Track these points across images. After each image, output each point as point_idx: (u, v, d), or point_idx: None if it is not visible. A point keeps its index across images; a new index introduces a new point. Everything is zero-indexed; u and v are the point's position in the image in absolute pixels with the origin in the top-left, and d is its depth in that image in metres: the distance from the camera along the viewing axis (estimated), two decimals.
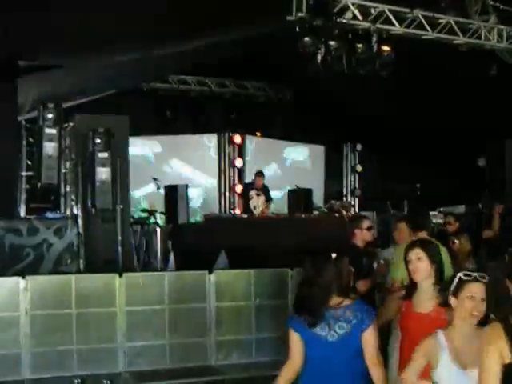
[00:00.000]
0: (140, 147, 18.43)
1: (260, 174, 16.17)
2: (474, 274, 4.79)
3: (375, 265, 8.92)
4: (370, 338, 5.02)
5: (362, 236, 8.76)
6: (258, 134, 20.24)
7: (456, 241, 10.09)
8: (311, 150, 21.63)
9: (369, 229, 8.80)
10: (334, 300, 5.11)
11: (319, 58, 12.89)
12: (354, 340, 5.02)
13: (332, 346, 5.05)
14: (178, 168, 19.49)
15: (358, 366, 5.06)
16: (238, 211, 16.55)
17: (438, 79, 16.05)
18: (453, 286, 4.83)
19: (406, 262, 5.89)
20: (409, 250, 5.92)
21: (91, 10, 11.42)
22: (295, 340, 5.21)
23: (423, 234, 8.36)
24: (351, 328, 5.03)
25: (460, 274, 4.81)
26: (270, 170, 19.68)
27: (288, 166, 20.98)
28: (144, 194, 18.32)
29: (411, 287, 5.88)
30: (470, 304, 4.75)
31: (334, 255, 5.24)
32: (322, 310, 5.07)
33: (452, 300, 4.83)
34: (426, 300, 5.72)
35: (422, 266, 5.79)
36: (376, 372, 5.03)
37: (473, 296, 4.76)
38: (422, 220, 8.97)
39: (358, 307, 5.09)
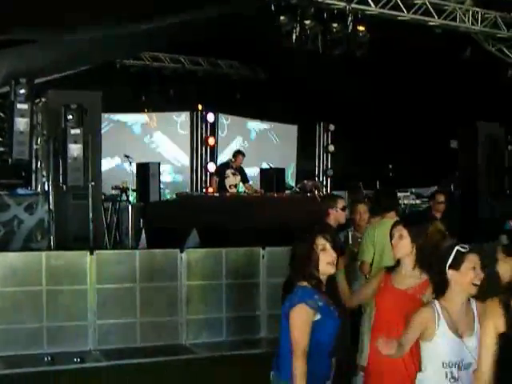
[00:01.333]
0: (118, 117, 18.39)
1: (239, 153, 16.05)
2: (468, 246, 4.94)
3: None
4: (290, 321, 4.93)
5: (336, 216, 8.74)
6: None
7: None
8: (284, 129, 21.60)
9: (343, 209, 8.78)
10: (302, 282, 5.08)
11: (294, 36, 12.86)
12: (284, 322, 5.02)
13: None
14: (150, 145, 19.40)
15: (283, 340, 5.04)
16: (210, 190, 16.47)
17: (411, 61, 16.06)
18: (450, 259, 4.91)
19: (390, 238, 5.93)
20: (393, 227, 5.97)
21: None
22: None
23: (392, 215, 8.41)
24: (284, 308, 5.02)
25: (457, 247, 4.92)
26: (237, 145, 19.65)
27: (258, 144, 20.91)
28: (113, 165, 18.22)
29: (396, 263, 5.93)
30: (473, 274, 4.87)
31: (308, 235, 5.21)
32: (293, 285, 5.07)
33: (450, 273, 4.90)
34: (405, 277, 5.77)
35: (402, 244, 5.83)
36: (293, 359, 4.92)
37: (474, 266, 4.89)
38: (387, 201, 8.99)
39: (296, 290, 5.01)
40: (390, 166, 19.43)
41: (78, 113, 12.49)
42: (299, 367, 4.83)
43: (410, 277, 5.75)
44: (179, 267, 11.30)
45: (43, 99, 13.00)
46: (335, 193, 18.69)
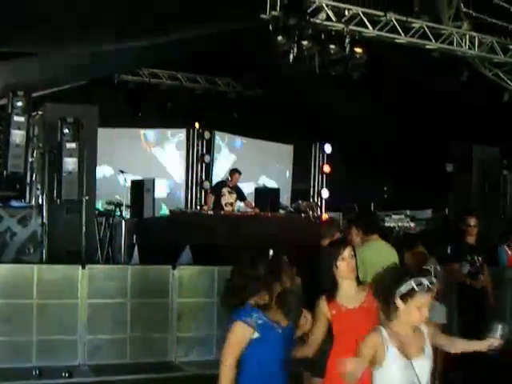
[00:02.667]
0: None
1: (235, 171, 16.04)
2: (426, 283, 4.76)
3: None
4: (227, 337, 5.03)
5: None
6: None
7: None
8: (280, 148, 21.61)
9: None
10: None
11: (291, 57, 12.90)
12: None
13: None
14: (145, 161, 19.39)
15: None
16: (205, 207, 16.48)
17: (408, 83, 16.12)
18: (402, 289, 4.76)
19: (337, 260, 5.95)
20: (342, 249, 5.99)
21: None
22: None
23: (375, 237, 8.52)
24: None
25: (413, 283, 4.75)
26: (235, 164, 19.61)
27: (254, 163, 20.90)
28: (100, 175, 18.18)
29: (333, 288, 5.94)
30: (417, 314, 4.77)
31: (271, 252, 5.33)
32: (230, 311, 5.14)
33: (399, 302, 4.78)
34: (353, 295, 5.88)
35: (353, 263, 5.93)
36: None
37: (421, 307, 4.77)
38: (370, 223, 9.06)
39: (240, 310, 5.07)
40: (385, 188, 19.47)
41: (74, 127, 12.52)
42: (226, 380, 5.01)
43: (355, 294, 5.87)
44: (171, 284, 11.29)
45: (40, 112, 13.03)
46: (330, 214, 18.79)
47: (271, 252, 5.40)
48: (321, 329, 5.87)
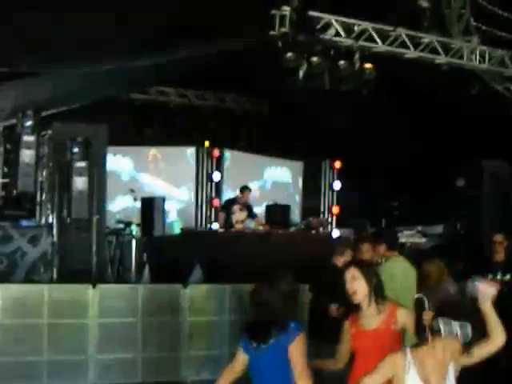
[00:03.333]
0: (117, 159, 18.31)
1: (245, 189, 15.97)
2: (454, 329, 4.70)
3: None
4: (293, 354, 5.22)
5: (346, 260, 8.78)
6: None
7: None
8: (290, 165, 21.56)
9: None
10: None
11: (301, 73, 12.87)
12: (272, 358, 5.31)
13: (258, 360, 5.43)
14: (155, 180, 19.35)
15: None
16: (216, 225, 16.41)
17: (418, 99, 16.07)
18: (434, 326, 4.73)
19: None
20: (345, 270, 5.88)
21: (71, 19, 11.34)
22: (241, 357, 5.66)
23: (396, 253, 8.48)
24: (271, 346, 5.29)
25: (441, 325, 4.70)
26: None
27: (268, 186, 20.87)
28: (119, 208, 18.13)
29: (353, 307, 5.82)
30: (440, 354, 4.72)
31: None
32: (266, 330, 5.35)
33: (430, 336, 4.75)
34: (369, 317, 5.72)
35: (359, 286, 5.75)
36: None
37: (440, 348, 4.73)
38: (394, 239, 9.05)
39: (283, 327, 5.29)
40: (396, 204, 19.37)
41: (83, 146, 12.49)
42: None
43: (373, 315, 5.71)
44: (182, 302, 11.23)
45: (49, 132, 13.01)
46: (341, 230, 18.70)
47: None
48: (345, 345, 5.86)
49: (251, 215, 15.78)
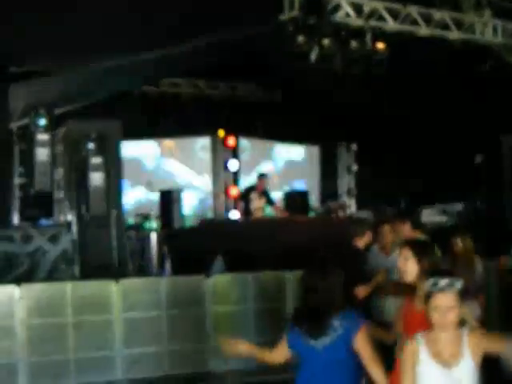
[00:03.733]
0: (133, 150, 18.28)
1: (263, 176, 15.95)
2: (442, 284, 4.61)
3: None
4: (361, 343, 5.10)
5: (365, 240, 8.74)
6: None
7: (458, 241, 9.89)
8: (306, 150, 21.51)
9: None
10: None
11: (313, 57, 12.76)
12: (337, 350, 5.11)
13: (318, 355, 5.16)
14: (172, 172, 19.35)
15: (339, 376, 5.16)
16: (236, 214, 16.39)
17: (432, 77, 15.93)
18: (424, 290, 4.71)
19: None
20: (400, 249, 5.82)
21: (80, 16, 11.31)
22: (284, 348, 5.51)
23: (419, 232, 8.42)
24: (336, 338, 5.10)
25: (427, 284, 4.65)
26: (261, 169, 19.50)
27: (282, 166, 20.86)
28: (136, 198, 18.17)
29: (409, 287, 5.73)
30: (436, 317, 4.62)
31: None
32: (327, 319, 5.13)
33: (424, 307, 4.70)
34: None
35: (409, 267, 5.67)
36: (373, 372, 5.12)
37: (437, 309, 4.63)
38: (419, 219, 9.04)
39: (345, 316, 5.16)
40: (416, 182, 19.25)
41: (98, 142, 12.47)
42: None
43: None
44: (205, 293, 11.20)
45: (63, 129, 12.99)
46: (360, 212, 18.63)
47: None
48: (398, 324, 5.82)
49: (269, 202, 15.73)
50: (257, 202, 15.44)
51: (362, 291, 8.26)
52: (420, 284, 5.51)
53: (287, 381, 9.34)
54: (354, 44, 13.16)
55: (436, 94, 16.74)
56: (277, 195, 17.11)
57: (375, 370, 5.10)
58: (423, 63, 15.38)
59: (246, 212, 15.44)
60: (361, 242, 8.92)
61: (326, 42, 12.70)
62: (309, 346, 5.16)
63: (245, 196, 15.95)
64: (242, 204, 15.85)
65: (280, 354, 5.61)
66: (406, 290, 5.78)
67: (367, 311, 7.35)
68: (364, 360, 5.10)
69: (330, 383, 5.15)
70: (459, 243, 9.66)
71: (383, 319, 7.71)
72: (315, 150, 21.56)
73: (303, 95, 18.56)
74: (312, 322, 5.16)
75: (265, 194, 15.68)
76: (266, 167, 20.10)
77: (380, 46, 13.46)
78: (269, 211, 15.88)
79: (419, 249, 5.78)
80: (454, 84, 16.09)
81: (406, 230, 8.73)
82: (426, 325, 5.15)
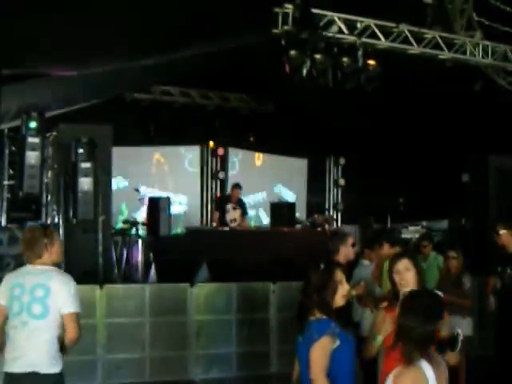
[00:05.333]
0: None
1: (237, 186, 16.00)
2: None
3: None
4: (311, 355, 5.07)
5: (347, 253, 8.72)
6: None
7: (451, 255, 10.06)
8: (294, 163, 21.58)
9: (353, 246, 8.78)
10: (314, 314, 5.25)
11: (305, 71, 12.85)
12: (305, 355, 5.14)
13: (301, 356, 5.27)
14: (160, 179, 19.38)
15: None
16: (214, 224, 16.45)
17: (421, 94, 16.06)
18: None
19: (391, 273, 5.84)
20: (396, 260, 5.85)
21: (74, 20, 11.34)
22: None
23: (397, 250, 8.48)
24: (305, 342, 5.17)
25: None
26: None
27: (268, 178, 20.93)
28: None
29: (395, 299, 5.79)
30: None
31: (322, 266, 5.32)
32: (307, 318, 5.24)
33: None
34: None
35: (409, 276, 5.73)
36: None
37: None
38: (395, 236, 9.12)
39: (315, 324, 5.18)
40: (401, 200, 19.36)
41: (88, 146, 12.50)
42: None
43: None
44: (189, 301, 11.26)
45: (54, 133, 13.02)
46: (345, 227, 18.72)
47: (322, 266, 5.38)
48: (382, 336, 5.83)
49: (244, 213, 15.78)
50: (232, 213, 15.51)
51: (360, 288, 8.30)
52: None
53: None
54: (345, 60, 13.26)
55: (425, 111, 16.85)
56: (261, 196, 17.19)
57: None
58: (414, 81, 15.51)
59: (222, 222, 15.50)
60: (339, 257, 8.87)
61: (318, 56, 12.80)
62: (298, 343, 5.31)
63: (219, 206, 16.03)
64: (217, 214, 15.93)
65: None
66: (391, 301, 5.85)
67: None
68: (310, 374, 5.06)
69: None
70: (451, 258, 9.86)
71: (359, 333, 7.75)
72: (303, 164, 21.64)
73: (293, 108, 18.66)
74: (298, 320, 5.31)
75: (239, 204, 15.75)
76: (252, 177, 20.18)
77: (371, 62, 13.57)
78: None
79: (417, 260, 5.88)
80: (443, 102, 16.21)
81: (386, 250, 8.77)
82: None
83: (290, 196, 20.87)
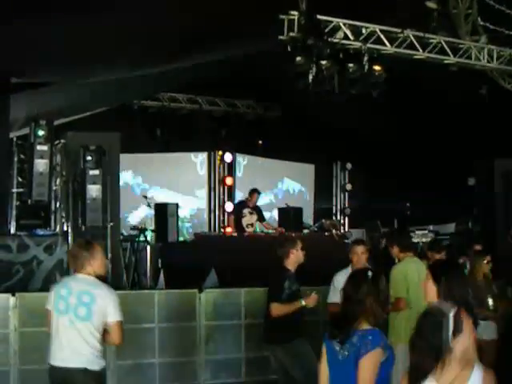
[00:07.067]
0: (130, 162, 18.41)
1: (254, 191, 16.05)
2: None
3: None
4: (360, 367, 4.86)
5: (297, 256, 8.80)
6: (260, 142, 20.34)
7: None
8: (302, 168, 21.65)
9: (302, 249, 8.85)
10: (359, 323, 5.02)
11: (310, 77, 12.90)
12: (349, 366, 4.91)
13: (338, 365, 5.02)
14: (169, 185, 19.45)
15: None
16: (228, 229, 16.49)
17: (428, 98, 16.11)
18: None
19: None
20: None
21: (80, 29, 11.42)
22: (323, 361, 5.17)
23: (411, 254, 8.53)
24: (350, 353, 4.93)
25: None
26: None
27: (280, 195, 21.00)
28: (139, 219, 18.21)
29: None
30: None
31: (370, 273, 5.19)
32: (352, 327, 4.99)
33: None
34: None
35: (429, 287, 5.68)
36: None
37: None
38: (408, 240, 9.13)
39: (365, 335, 4.95)
40: (408, 204, 19.41)
41: (96, 154, 12.59)
42: None
43: None
44: (198, 307, 11.30)
45: (62, 141, 13.11)
46: (353, 231, 18.76)
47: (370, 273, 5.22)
48: None
49: (261, 218, 15.84)
50: (249, 218, 15.57)
51: (275, 308, 8.46)
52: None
53: None
54: (351, 65, 13.31)
55: (431, 115, 16.90)
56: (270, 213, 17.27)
57: None
58: (420, 86, 15.57)
59: (238, 227, 15.55)
60: (288, 262, 8.89)
61: (323, 62, 12.85)
62: (333, 353, 5.04)
63: (236, 211, 16.07)
64: (233, 219, 15.96)
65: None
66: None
67: None
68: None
69: None
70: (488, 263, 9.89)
71: None
72: (311, 169, 21.70)
73: (300, 114, 18.72)
74: (339, 330, 5.05)
75: (256, 209, 15.80)
76: (261, 185, 20.25)
77: (377, 67, 13.61)
78: (258, 228, 16.02)
79: (439, 269, 5.78)
80: (449, 107, 16.26)
81: (396, 251, 8.82)
82: None
83: (297, 188, 20.98)
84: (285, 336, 8.70)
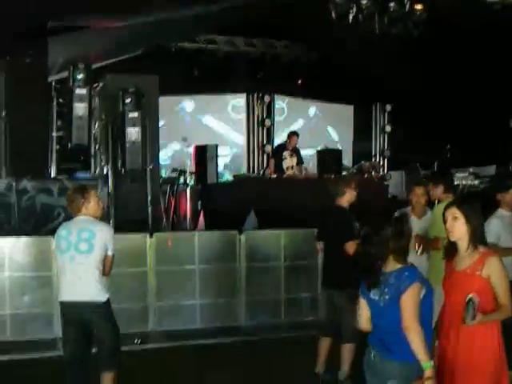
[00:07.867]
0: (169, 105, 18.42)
1: (294, 134, 15.94)
2: None
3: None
4: (403, 303, 4.96)
5: (352, 196, 8.70)
6: (299, 82, 20.24)
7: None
8: (340, 110, 21.52)
9: (356, 189, 8.75)
10: (391, 265, 5.12)
11: (351, 17, 12.75)
12: (393, 308, 5.01)
13: (381, 311, 5.12)
14: (207, 127, 19.47)
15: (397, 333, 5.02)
16: (268, 171, 16.47)
17: (469, 39, 15.84)
18: None
19: (444, 221, 5.79)
20: (446, 209, 5.80)
21: None
22: (362, 304, 5.32)
23: (451, 196, 8.41)
24: (391, 294, 5.04)
25: None
26: (296, 127, 19.53)
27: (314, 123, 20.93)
28: (171, 152, 18.34)
29: (450, 246, 5.78)
30: None
31: (396, 214, 5.23)
32: (377, 269, 5.10)
33: None
34: (462, 258, 5.60)
35: (457, 226, 5.67)
36: (409, 337, 4.95)
37: None
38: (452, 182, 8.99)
39: (401, 272, 5.06)
40: (448, 146, 19.22)
41: (135, 96, 12.58)
42: (422, 339, 4.94)
43: (466, 256, 5.57)
44: (238, 249, 11.35)
45: (101, 84, 13.11)
46: (392, 173, 18.65)
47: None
48: None
49: (299, 161, 15.78)
50: (289, 160, 15.51)
51: (351, 247, 8.16)
52: (462, 243, 5.59)
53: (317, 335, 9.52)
54: (392, 5, 13.11)
55: (472, 56, 16.63)
56: (308, 153, 17.20)
57: (411, 334, 4.94)
58: (461, 26, 15.29)
59: (278, 170, 15.52)
60: (342, 201, 8.76)
61: (364, 2, 12.67)
62: (374, 303, 5.16)
63: (276, 154, 16.02)
64: (273, 162, 15.91)
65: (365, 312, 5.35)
66: (447, 249, 5.83)
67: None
68: (402, 322, 4.96)
69: (389, 338, 5.10)
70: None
71: None
72: (350, 110, 21.56)
73: (340, 55, 18.52)
74: (368, 275, 5.17)
75: (296, 151, 15.73)
76: (300, 126, 20.19)
77: (418, 7, 13.39)
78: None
79: (469, 209, 5.78)
80: (491, 47, 15.98)
81: (439, 192, 8.72)
82: (467, 285, 5.33)
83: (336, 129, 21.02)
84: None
